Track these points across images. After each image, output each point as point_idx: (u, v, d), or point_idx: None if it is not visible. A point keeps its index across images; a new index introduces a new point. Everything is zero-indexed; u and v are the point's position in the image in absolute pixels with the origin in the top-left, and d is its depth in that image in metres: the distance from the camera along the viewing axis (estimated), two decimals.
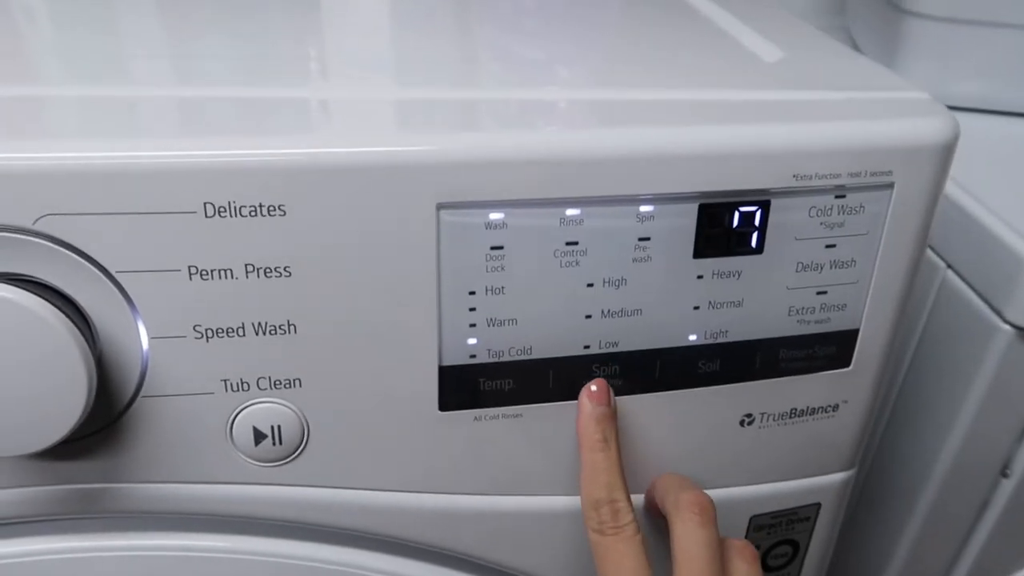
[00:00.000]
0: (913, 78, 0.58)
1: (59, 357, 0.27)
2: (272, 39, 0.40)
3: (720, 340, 0.35)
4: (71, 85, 0.33)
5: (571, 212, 0.31)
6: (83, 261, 0.28)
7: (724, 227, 0.32)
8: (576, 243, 0.31)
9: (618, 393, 0.35)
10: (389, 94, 0.34)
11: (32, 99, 0.32)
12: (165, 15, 0.43)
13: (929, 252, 0.49)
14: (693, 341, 0.34)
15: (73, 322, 0.28)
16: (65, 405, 0.28)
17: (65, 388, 0.28)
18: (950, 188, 0.47)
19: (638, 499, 0.37)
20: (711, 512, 0.34)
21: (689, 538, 0.33)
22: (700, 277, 0.33)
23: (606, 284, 0.32)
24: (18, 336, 0.27)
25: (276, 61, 0.37)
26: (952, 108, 0.60)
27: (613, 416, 0.34)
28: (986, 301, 0.44)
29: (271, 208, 0.29)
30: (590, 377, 0.34)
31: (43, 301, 0.27)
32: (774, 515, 0.40)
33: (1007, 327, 0.43)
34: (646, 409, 0.35)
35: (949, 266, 0.47)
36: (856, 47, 0.68)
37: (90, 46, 0.38)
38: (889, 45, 0.60)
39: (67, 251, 0.28)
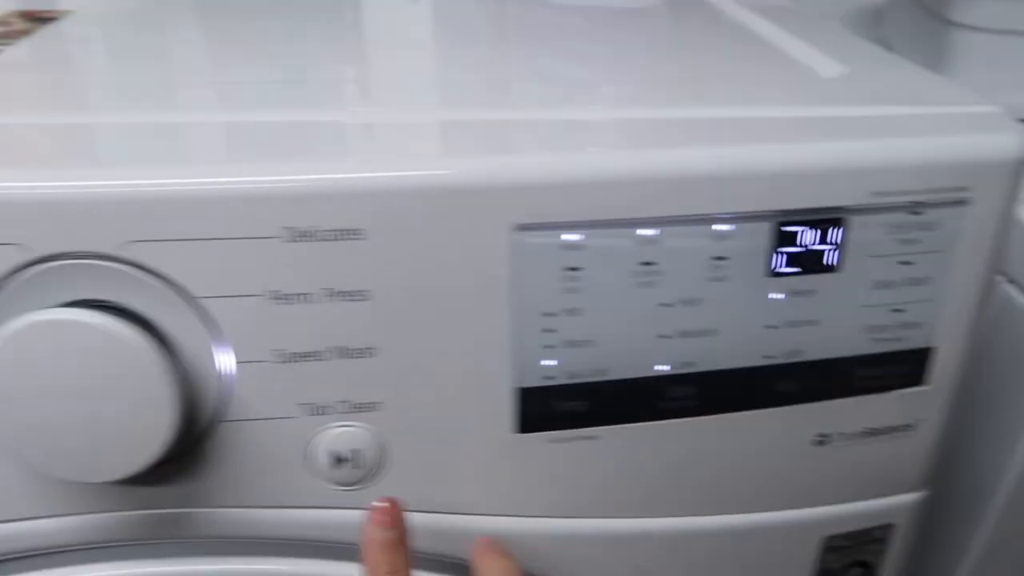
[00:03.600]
0: None
1: (146, 383, 0.28)
2: (326, 65, 0.40)
3: (795, 359, 0.34)
4: (147, 113, 0.33)
5: (647, 232, 0.31)
6: (167, 287, 0.29)
7: (800, 245, 0.32)
8: (652, 263, 0.31)
9: (694, 414, 0.34)
10: (461, 116, 0.34)
11: (104, 127, 0.32)
12: (223, 45, 0.44)
13: None
14: (768, 361, 0.34)
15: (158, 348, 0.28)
16: (152, 430, 0.28)
17: (152, 413, 0.28)
18: None
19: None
20: None
21: None
22: (775, 296, 0.33)
23: (682, 304, 0.32)
24: (106, 363, 0.27)
25: (335, 86, 0.37)
26: None
27: (403, 541, 0.31)
28: None
29: (350, 232, 0.29)
30: (664, 398, 0.34)
31: (130, 327, 0.28)
32: (847, 536, 0.39)
33: None
34: (722, 429, 0.35)
35: (1011, 280, 0.47)
36: None
37: (159, 76, 0.38)
38: (933, 57, 0.60)
39: (152, 277, 0.28)
